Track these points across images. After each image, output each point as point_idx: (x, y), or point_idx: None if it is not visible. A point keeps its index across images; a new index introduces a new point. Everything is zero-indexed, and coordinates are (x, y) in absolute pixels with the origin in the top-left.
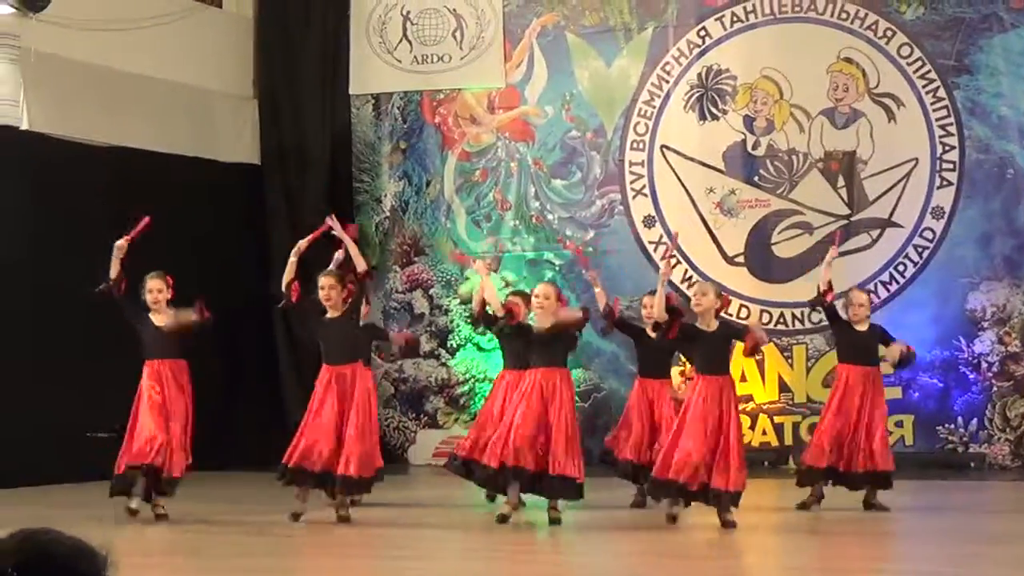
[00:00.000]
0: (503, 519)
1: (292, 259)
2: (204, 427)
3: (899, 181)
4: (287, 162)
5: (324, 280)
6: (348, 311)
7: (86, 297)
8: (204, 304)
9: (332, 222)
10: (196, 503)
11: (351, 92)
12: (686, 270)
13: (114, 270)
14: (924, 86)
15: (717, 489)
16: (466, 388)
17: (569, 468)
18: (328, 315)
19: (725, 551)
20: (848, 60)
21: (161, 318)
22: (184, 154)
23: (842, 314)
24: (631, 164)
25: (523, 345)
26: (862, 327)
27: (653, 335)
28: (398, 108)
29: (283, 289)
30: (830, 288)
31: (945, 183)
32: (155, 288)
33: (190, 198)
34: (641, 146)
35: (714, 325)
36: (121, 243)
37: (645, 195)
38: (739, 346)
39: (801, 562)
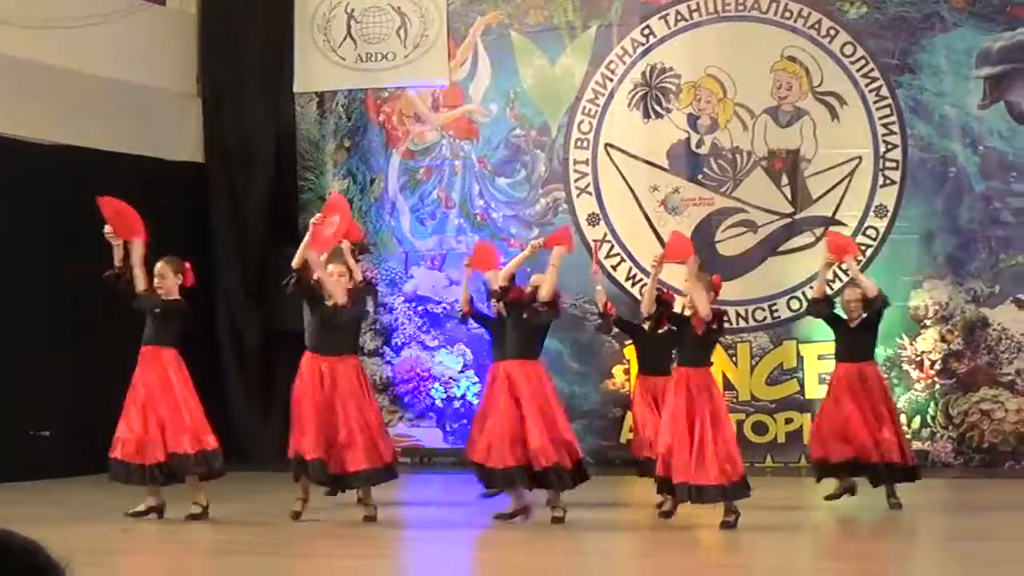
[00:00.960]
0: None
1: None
2: None
3: (842, 179)
4: (231, 160)
5: (333, 268)
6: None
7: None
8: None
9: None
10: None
11: (295, 90)
12: (630, 268)
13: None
14: (867, 85)
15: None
16: (410, 386)
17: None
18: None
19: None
20: (791, 59)
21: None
22: (128, 152)
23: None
24: (575, 162)
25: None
26: (854, 324)
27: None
28: (342, 106)
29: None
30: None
31: (888, 182)
32: (158, 274)
33: (134, 196)
34: (585, 144)
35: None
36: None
37: (589, 193)
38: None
39: (748, 561)
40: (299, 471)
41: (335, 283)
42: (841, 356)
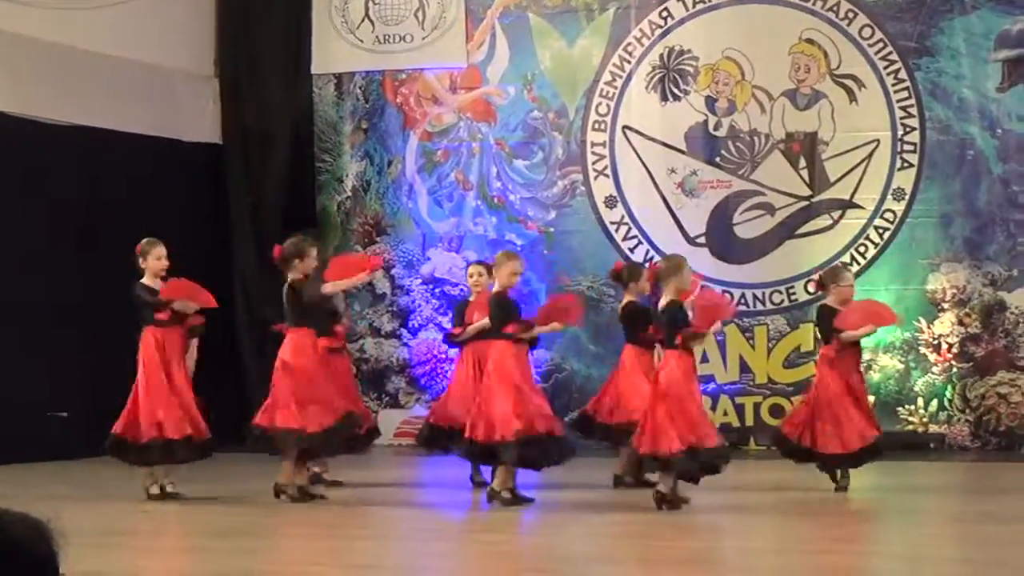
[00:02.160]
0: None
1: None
2: None
3: (860, 162)
4: (248, 142)
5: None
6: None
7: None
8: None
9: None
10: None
11: (313, 72)
12: (647, 251)
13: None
14: (885, 67)
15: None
16: (427, 368)
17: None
18: None
19: (681, 532)
20: (810, 41)
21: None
22: (145, 133)
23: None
24: (593, 145)
25: None
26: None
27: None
28: (360, 88)
29: None
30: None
31: (906, 164)
32: (163, 255)
33: (151, 177)
34: (603, 127)
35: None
36: None
37: (607, 176)
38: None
39: (759, 543)
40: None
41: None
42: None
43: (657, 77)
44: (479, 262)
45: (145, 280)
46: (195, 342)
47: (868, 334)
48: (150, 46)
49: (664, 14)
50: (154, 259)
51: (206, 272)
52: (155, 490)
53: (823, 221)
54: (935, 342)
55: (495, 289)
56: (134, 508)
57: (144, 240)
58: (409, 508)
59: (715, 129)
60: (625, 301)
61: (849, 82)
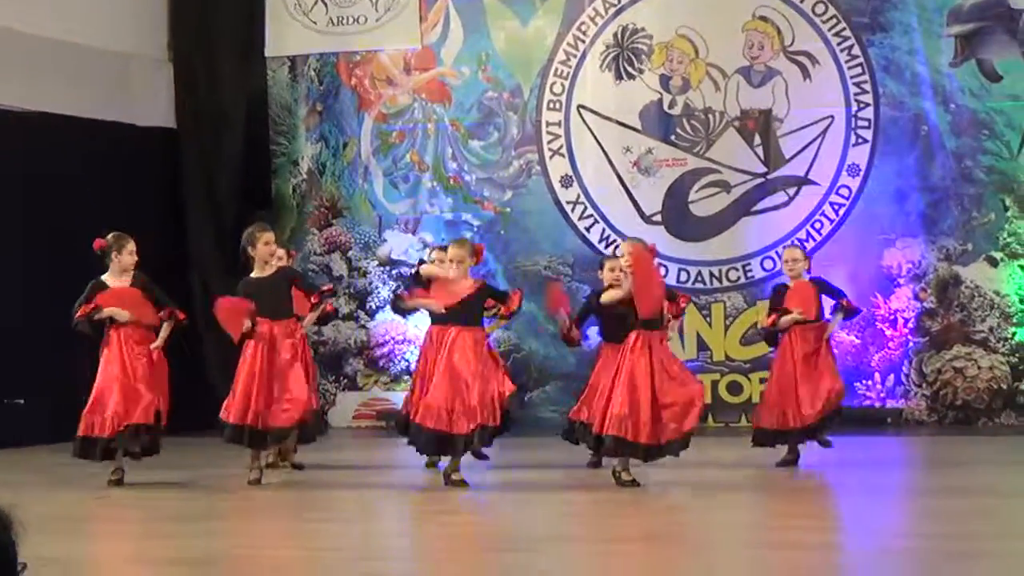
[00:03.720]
0: None
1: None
2: None
3: (815, 139)
4: (203, 125)
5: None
6: None
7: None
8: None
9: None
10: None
11: (267, 54)
12: (603, 229)
13: None
14: (839, 44)
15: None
16: (385, 350)
17: None
18: None
19: (639, 509)
20: (763, 18)
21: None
22: (99, 118)
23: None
24: (548, 124)
25: None
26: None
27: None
28: (314, 70)
29: None
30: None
31: (861, 140)
32: (134, 250)
33: (105, 162)
34: (558, 106)
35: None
36: None
37: (562, 155)
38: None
39: (718, 519)
40: None
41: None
42: None
43: (611, 56)
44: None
45: (108, 276)
46: (165, 328)
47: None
48: (103, 30)
49: None
50: (127, 254)
51: (161, 256)
52: (116, 475)
53: (779, 198)
54: (891, 317)
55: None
56: (91, 495)
57: (113, 235)
58: (369, 490)
59: (670, 107)
60: None
61: (803, 59)
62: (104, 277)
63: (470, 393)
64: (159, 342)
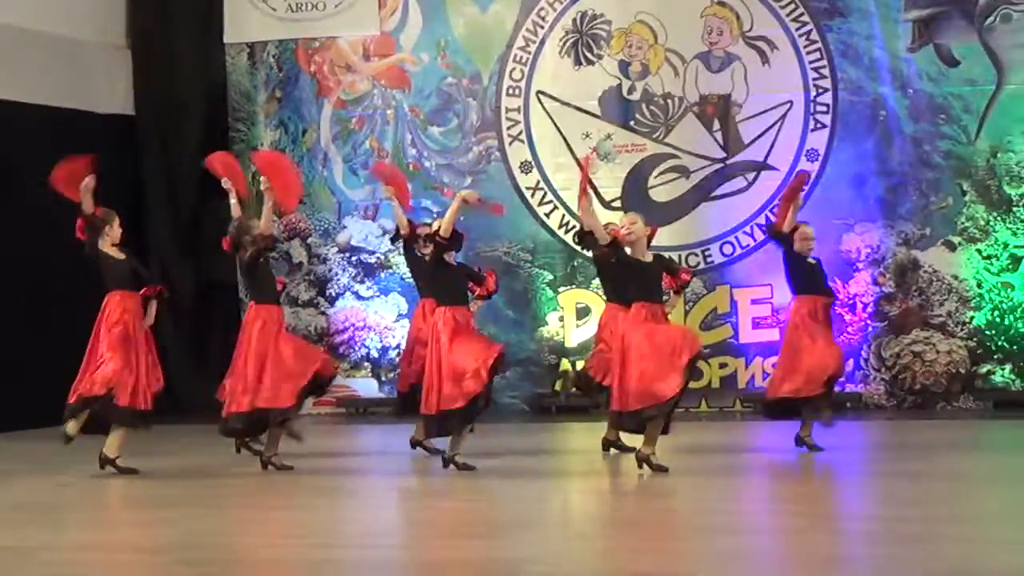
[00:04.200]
0: None
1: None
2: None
3: (774, 124)
4: (162, 112)
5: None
6: None
7: None
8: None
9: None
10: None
11: (226, 41)
12: (563, 215)
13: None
14: (797, 29)
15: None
16: (345, 337)
17: None
18: None
19: (601, 496)
20: (721, 4)
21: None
22: (58, 105)
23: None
24: (507, 110)
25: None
26: (811, 260)
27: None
28: (273, 56)
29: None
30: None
31: (819, 125)
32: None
33: (64, 149)
34: (517, 92)
35: (649, 256)
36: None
37: (521, 141)
38: None
39: (680, 504)
40: None
41: None
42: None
43: (570, 42)
44: None
45: (109, 249)
46: (153, 306)
47: None
48: (61, 17)
49: None
50: (117, 227)
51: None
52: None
53: (738, 183)
54: (850, 301)
55: None
56: (51, 482)
57: (104, 209)
58: (333, 476)
59: (629, 93)
60: None
61: (761, 44)
62: (106, 250)
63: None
64: (150, 320)
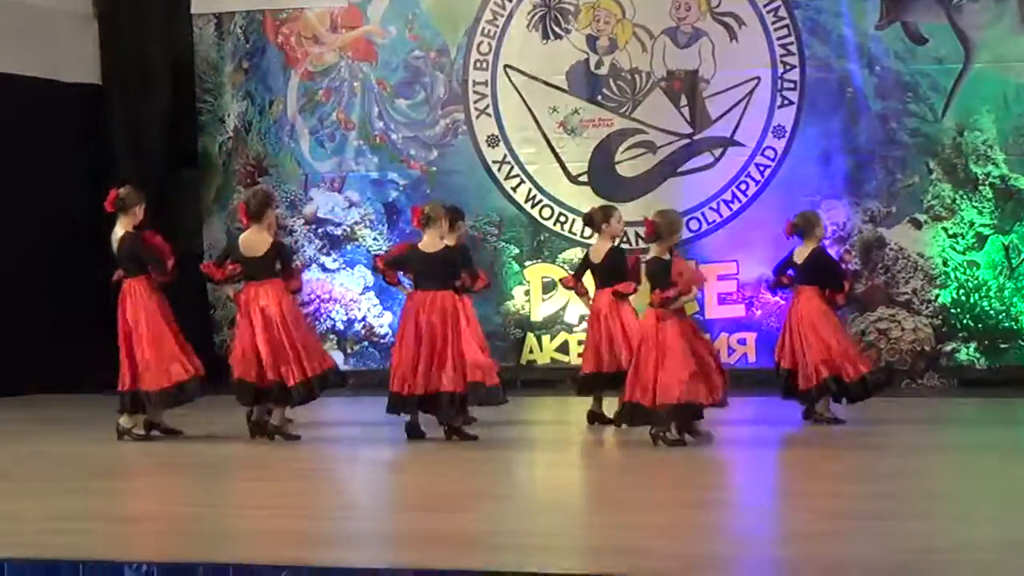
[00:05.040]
0: None
1: None
2: (44, 353)
3: (741, 100)
4: (128, 82)
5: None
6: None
7: None
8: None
9: None
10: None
11: (192, 11)
12: (530, 189)
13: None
14: (765, 5)
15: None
16: (311, 308)
17: None
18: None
19: (568, 468)
20: None
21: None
22: (24, 74)
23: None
24: (474, 84)
25: None
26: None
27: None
28: (240, 28)
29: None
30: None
31: (786, 102)
32: None
33: (30, 119)
34: (484, 65)
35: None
36: None
37: (488, 115)
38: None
39: (640, 480)
40: None
41: None
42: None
43: (538, 16)
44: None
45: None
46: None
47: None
48: None
49: None
50: (142, 211)
51: (87, 214)
52: (140, 430)
53: (704, 159)
54: None
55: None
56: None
57: (131, 190)
58: (300, 448)
59: (596, 68)
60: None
61: (729, 20)
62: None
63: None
64: None
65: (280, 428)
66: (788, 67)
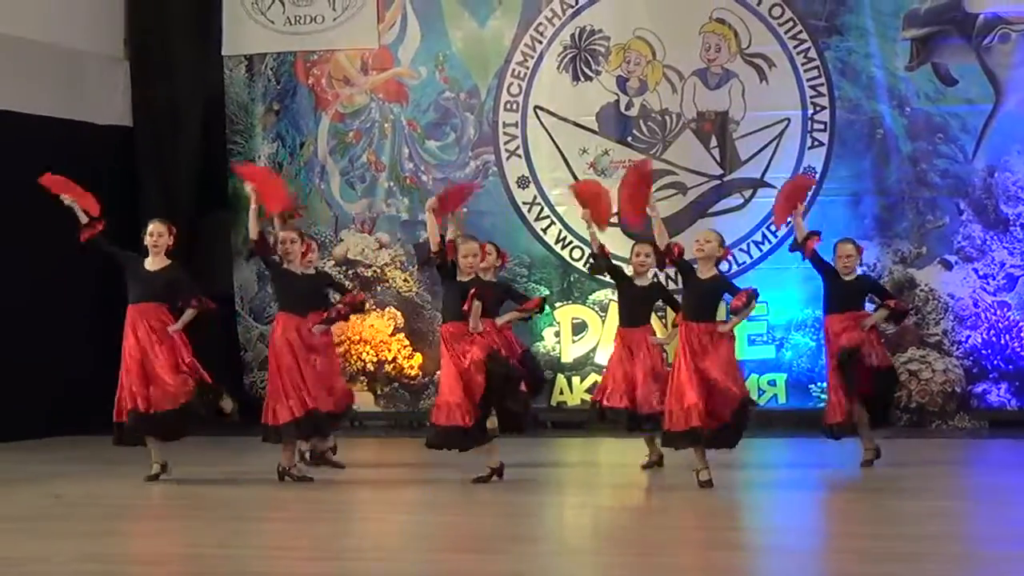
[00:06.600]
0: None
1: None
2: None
3: (771, 141)
4: (159, 124)
5: (285, 235)
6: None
7: None
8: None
9: None
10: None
11: (224, 53)
12: (560, 231)
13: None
14: (795, 46)
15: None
16: (341, 350)
17: None
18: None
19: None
20: (720, 21)
21: (154, 262)
22: (56, 116)
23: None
24: (505, 125)
25: None
26: (849, 277)
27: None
28: (271, 69)
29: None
30: (809, 236)
31: (816, 143)
32: (156, 232)
33: (62, 161)
34: (515, 107)
35: (708, 274)
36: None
37: (519, 156)
38: None
39: (670, 521)
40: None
41: None
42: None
43: (568, 57)
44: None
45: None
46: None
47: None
48: (58, 27)
49: None
50: (146, 236)
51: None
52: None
53: (735, 200)
54: None
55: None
56: (45, 493)
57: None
58: (327, 489)
59: (626, 109)
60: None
61: (759, 61)
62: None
63: None
64: (178, 325)
65: (289, 469)
66: (818, 108)
